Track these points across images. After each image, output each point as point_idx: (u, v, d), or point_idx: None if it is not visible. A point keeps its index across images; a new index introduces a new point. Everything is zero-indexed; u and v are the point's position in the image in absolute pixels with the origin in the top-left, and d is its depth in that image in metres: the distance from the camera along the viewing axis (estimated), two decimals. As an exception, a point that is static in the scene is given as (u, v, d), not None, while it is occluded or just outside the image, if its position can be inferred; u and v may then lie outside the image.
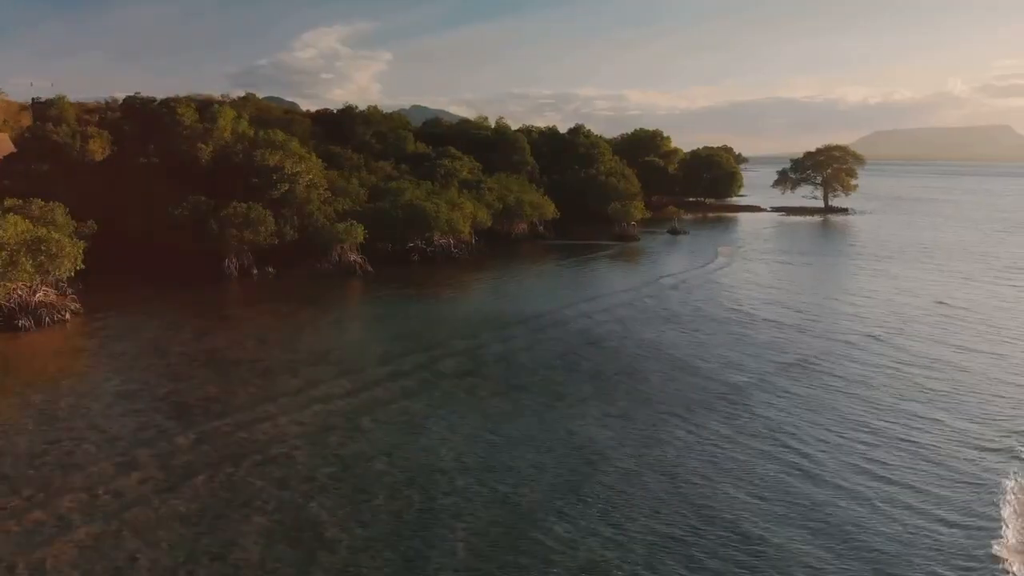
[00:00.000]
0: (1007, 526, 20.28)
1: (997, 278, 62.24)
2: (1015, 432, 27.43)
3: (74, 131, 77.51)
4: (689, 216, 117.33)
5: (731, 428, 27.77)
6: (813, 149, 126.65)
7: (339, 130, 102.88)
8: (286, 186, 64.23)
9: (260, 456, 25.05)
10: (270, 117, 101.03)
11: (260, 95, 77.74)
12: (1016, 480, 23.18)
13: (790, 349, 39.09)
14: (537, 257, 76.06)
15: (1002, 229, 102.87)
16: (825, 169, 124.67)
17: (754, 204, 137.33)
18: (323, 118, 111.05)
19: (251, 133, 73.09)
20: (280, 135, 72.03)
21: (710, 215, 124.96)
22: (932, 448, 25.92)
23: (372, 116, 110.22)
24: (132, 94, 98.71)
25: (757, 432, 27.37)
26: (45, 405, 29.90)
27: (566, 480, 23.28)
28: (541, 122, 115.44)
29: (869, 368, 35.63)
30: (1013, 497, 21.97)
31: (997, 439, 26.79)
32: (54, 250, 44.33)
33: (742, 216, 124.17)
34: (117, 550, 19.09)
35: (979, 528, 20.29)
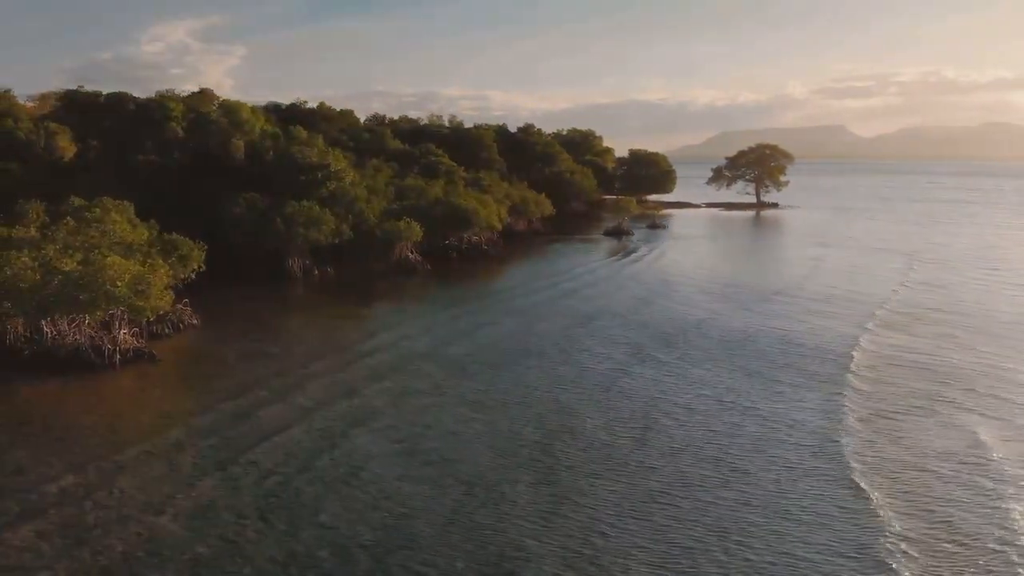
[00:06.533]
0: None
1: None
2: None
3: (36, 127, 72.11)
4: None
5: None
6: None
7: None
8: (334, 184, 62.98)
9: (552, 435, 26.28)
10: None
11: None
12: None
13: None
14: (562, 250, 77.94)
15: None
16: (758, 167, 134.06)
17: (686, 201, 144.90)
18: (271, 110, 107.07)
19: (271, 129, 70.95)
20: (302, 132, 70.44)
21: (650, 211, 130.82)
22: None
23: (326, 113, 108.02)
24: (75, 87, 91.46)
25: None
26: (341, 409, 29.30)
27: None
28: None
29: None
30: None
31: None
32: (184, 250, 42.13)
33: (682, 212, 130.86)
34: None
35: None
